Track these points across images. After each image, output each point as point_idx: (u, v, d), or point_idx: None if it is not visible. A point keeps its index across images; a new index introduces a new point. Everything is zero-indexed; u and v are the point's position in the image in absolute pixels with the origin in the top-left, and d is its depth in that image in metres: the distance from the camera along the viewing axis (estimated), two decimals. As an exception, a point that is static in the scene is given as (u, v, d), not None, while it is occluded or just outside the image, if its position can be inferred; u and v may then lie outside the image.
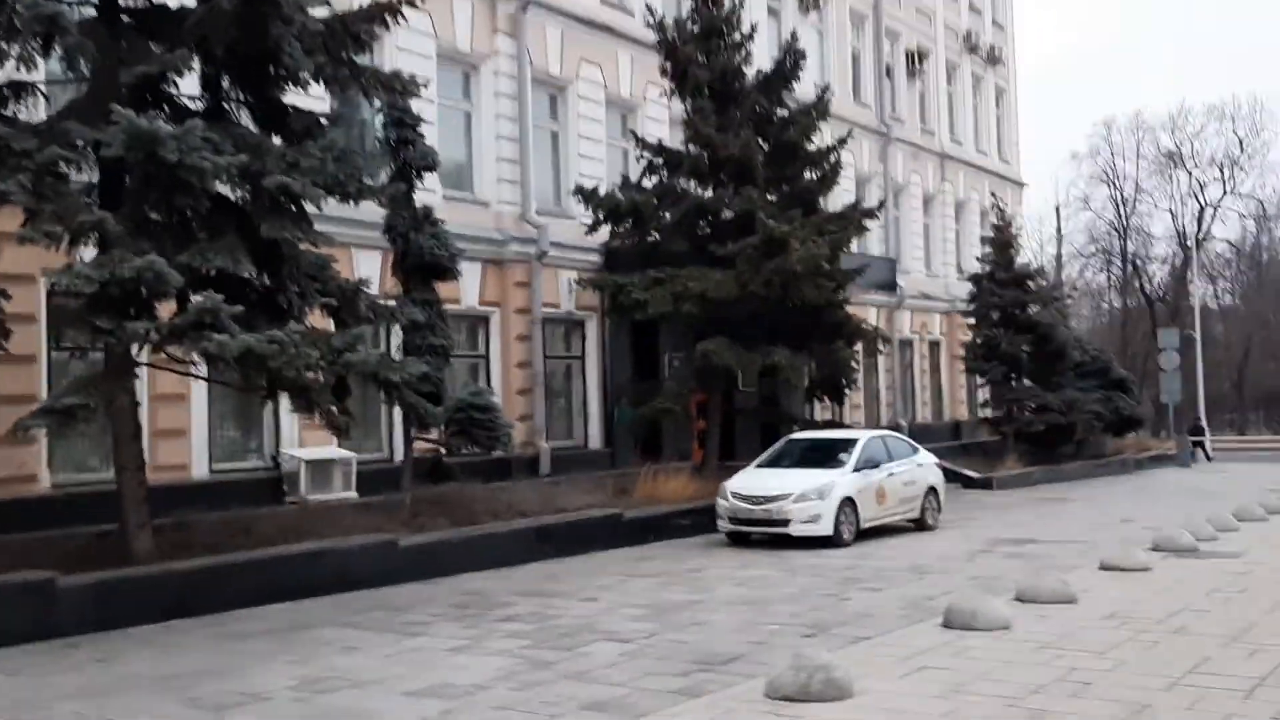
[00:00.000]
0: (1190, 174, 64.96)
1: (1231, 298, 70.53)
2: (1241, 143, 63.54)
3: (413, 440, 14.37)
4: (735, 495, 14.59)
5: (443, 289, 14.74)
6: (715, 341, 16.95)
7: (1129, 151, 65.44)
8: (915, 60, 31.53)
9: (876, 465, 15.28)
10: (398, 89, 11.35)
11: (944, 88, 33.72)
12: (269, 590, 10.51)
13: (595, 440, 20.34)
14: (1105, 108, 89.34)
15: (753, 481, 14.87)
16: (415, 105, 13.70)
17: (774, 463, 15.65)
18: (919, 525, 15.88)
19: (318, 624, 9.42)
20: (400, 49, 16.41)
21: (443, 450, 15.00)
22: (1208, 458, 35.94)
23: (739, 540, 14.43)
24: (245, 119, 10.93)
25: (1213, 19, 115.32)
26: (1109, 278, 68.44)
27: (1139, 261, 67.24)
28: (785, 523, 14.01)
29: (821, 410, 24.77)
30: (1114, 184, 66.01)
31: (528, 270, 19.00)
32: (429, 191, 15.34)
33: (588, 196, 18.15)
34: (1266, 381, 66.66)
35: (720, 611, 9.62)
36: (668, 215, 18.35)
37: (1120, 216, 66.13)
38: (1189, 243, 61.77)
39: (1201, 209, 64.95)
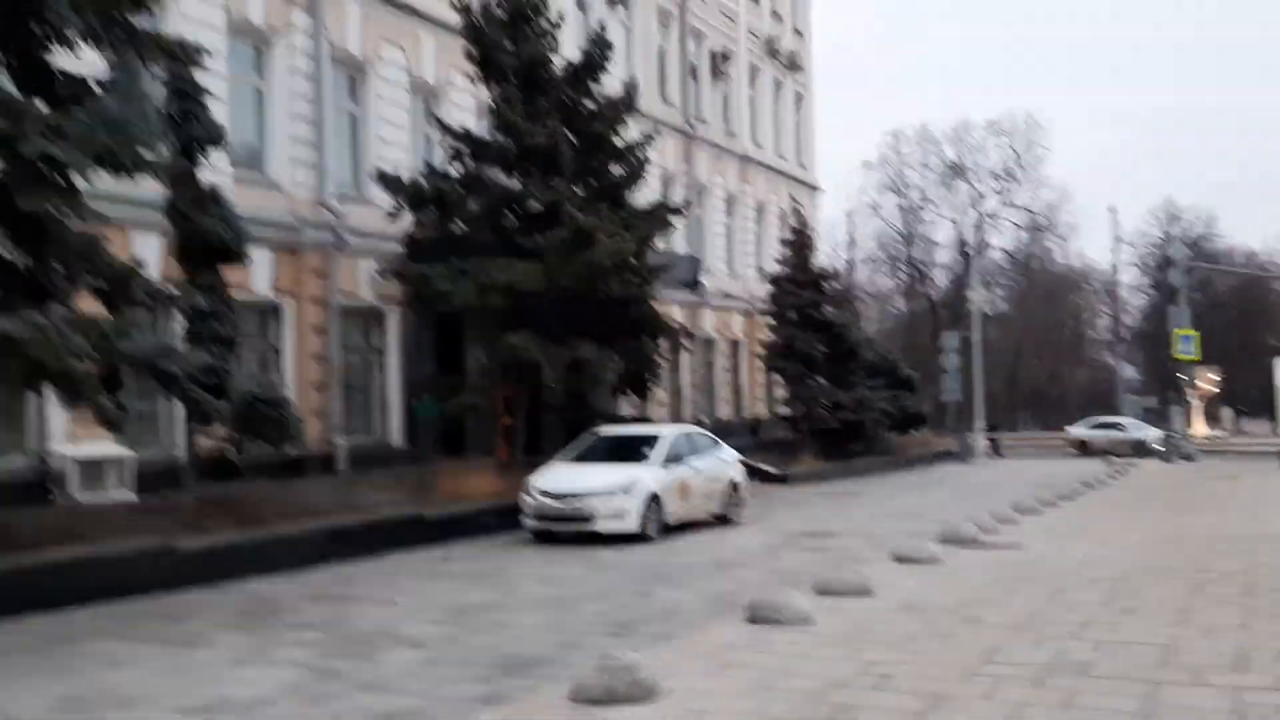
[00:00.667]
0: (971, 185, 69.07)
1: (1005, 303, 75.32)
2: (1017, 157, 67.99)
3: (195, 437, 13.45)
4: (540, 492, 14.34)
5: (230, 275, 13.83)
6: (521, 335, 16.66)
7: (916, 162, 69.05)
8: (719, 62, 32.08)
9: (681, 461, 15.35)
10: (180, 57, 10.59)
11: (746, 91, 34.47)
12: (29, 600, 9.53)
13: (396, 437, 19.70)
14: (895, 119, 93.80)
15: (558, 477, 14.66)
16: (202, 78, 12.76)
17: (580, 458, 15.50)
18: (723, 520, 16.05)
19: (84, 636, 8.60)
20: (186, 16, 15.40)
21: (229, 447, 14.11)
22: (999, 454, 38.13)
23: (545, 538, 14.19)
24: (4, 80, 9.89)
25: (994, 37, 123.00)
26: (896, 282, 71.98)
27: (923, 267, 71.00)
28: (591, 519, 13.86)
29: (628, 406, 24.85)
30: (901, 193, 69.48)
31: (324, 258, 18.22)
32: (217, 171, 14.42)
33: (389, 182, 17.53)
34: (1035, 382, 71.59)
35: (525, 612, 9.35)
36: (474, 204, 17.91)
37: (907, 224, 69.65)
38: (969, 250, 65.66)
39: (980, 218, 69.17)
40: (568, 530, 14.07)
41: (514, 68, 18.03)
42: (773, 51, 35.62)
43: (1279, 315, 70.34)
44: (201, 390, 11.44)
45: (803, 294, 29.46)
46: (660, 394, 27.82)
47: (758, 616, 7.84)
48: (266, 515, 12.78)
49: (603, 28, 20.38)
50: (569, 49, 19.97)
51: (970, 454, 35.35)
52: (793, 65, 37.02)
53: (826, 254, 55.78)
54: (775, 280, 30.04)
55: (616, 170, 19.09)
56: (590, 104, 18.99)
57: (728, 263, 33.20)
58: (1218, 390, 59.01)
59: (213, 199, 13.15)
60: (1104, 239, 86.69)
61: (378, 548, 13.07)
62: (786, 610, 7.82)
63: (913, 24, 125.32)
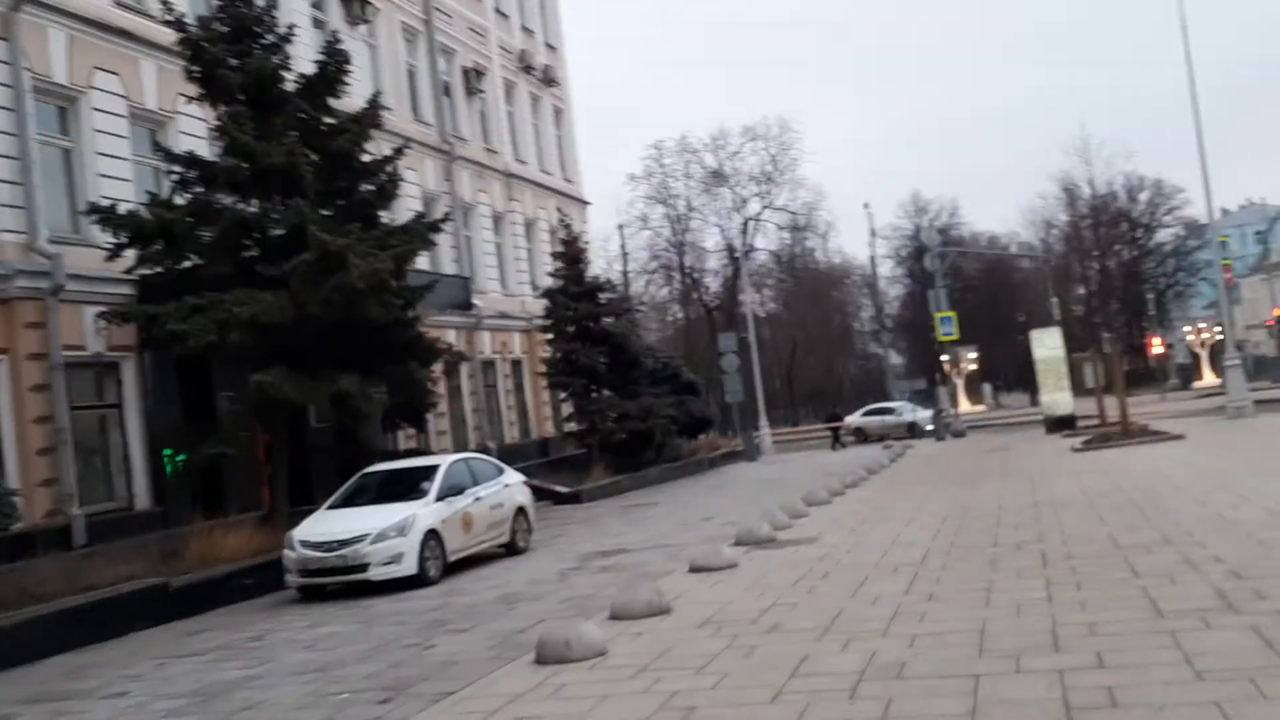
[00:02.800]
0: (733, 190, 70.71)
1: (776, 303, 77.60)
2: (774, 160, 70.07)
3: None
4: (304, 543, 12.99)
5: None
6: (272, 372, 15.16)
7: (679, 172, 70.11)
8: (472, 79, 31.16)
9: (461, 491, 14.30)
10: None
11: (504, 107, 33.66)
12: None
13: (143, 499, 17.69)
14: (657, 132, 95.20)
15: (324, 525, 13.34)
16: None
17: (348, 502, 14.20)
18: (510, 549, 15.10)
19: None
20: None
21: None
22: (842, 445, 38.59)
23: (312, 594, 12.83)
24: None
25: (748, 51, 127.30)
26: (671, 290, 72.86)
27: (696, 274, 72.16)
28: (364, 567, 12.62)
29: (407, 439, 23.52)
30: (668, 203, 70.40)
31: (40, 308, 16.13)
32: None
33: (104, 216, 15.68)
34: (811, 377, 74.04)
35: (282, 685, 8.12)
36: (207, 234, 16.28)
37: (676, 233, 70.60)
38: (737, 254, 67.17)
39: (745, 223, 70.90)
40: (338, 582, 12.78)
41: (241, 85, 16.53)
42: (527, 67, 34.98)
43: (1025, 293, 75.32)
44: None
45: (579, 307, 28.93)
46: (441, 422, 26.61)
47: (547, 656, 6.99)
48: (-22, 607, 10.94)
49: (336, 35, 19.12)
50: (307, 66, 18.62)
51: (757, 452, 35.71)
52: (548, 80, 36.50)
53: (601, 267, 55.68)
54: (550, 295, 29.38)
55: (366, 188, 17.86)
56: (331, 120, 17.69)
57: (501, 281, 32.25)
58: (976, 367, 62.55)
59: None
60: (861, 234, 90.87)
61: (117, 628, 11.43)
62: (578, 644, 7.00)
63: (675, 39, 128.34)
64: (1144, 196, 73.57)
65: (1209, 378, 53.01)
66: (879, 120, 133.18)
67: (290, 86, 17.35)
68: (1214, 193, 28.33)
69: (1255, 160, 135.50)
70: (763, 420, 39.83)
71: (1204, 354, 56.79)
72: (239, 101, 16.58)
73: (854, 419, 45.61)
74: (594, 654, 6.93)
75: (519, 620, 9.54)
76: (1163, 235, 75.93)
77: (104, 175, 17.81)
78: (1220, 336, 36.66)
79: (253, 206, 16.75)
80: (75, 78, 17.54)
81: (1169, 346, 68.69)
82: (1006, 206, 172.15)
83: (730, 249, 70.12)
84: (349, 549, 12.69)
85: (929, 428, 38.37)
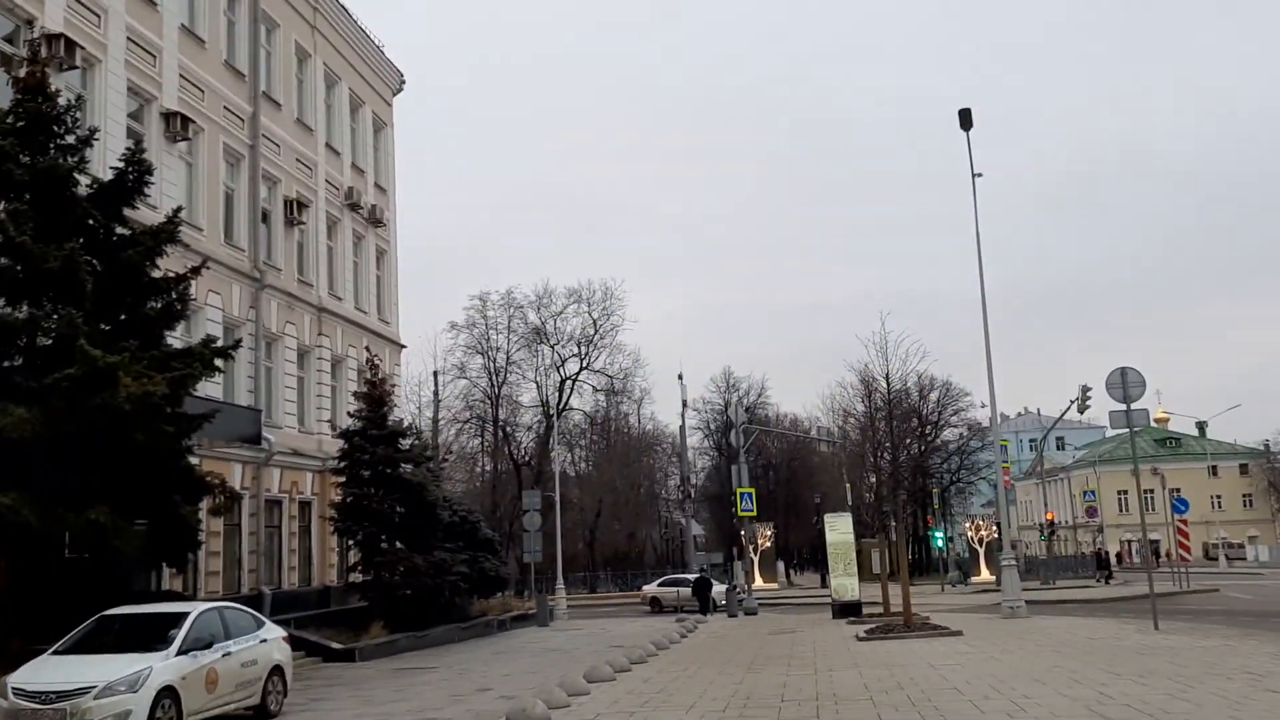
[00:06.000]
0: (553, 349, 71.08)
1: (586, 465, 77.43)
2: (595, 324, 71.07)
3: None
4: (18, 692, 11.38)
5: None
6: (12, 495, 13.62)
7: (501, 325, 70.16)
8: (294, 209, 30.40)
9: (210, 645, 12.92)
10: None
11: (324, 241, 32.90)
12: None
13: None
14: (483, 283, 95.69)
15: (44, 673, 11.77)
16: None
17: (79, 647, 12.62)
18: (260, 713, 13.67)
19: None
20: None
21: None
22: (715, 608, 37.30)
23: (19, 753, 11.16)
24: None
25: (579, 218, 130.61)
26: (482, 442, 71.76)
27: (509, 428, 71.48)
28: (82, 725, 11.11)
29: (172, 578, 21.59)
30: (488, 355, 70.08)
31: None
32: None
33: None
34: (614, 541, 73.53)
35: None
36: (-39, 336, 14.81)
37: (493, 385, 70.09)
38: (552, 412, 67.01)
39: (562, 382, 71.10)
40: (51, 741, 11.21)
41: (27, 182, 15.42)
42: (353, 204, 34.46)
43: (822, 475, 77.67)
44: None
45: (377, 450, 27.77)
46: (213, 562, 24.69)
47: None
48: None
49: (139, 144, 18.25)
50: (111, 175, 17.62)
51: (550, 617, 34.64)
52: (375, 220, 36.06)
53: (411, 413, 54.48)
54: (348, 435, 28.15)
55: (153, 305, 16.75)
56: (124, 230, 16.66)
57: (299, 418, 30.78)
58: (771, 544, 63.44)
59: None
60: (674, 403, 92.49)
61: None
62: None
63: (508, 196, 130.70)
64: (934, 396, 77.91)
65: (985, 573, 55.23)
66: (699, 297, 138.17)
67: (85, 191, 16.33)
68: (997, 400, 29.86)
69: (1035, 371, 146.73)
70: (559, 583, 38.87)
71: (981, 551, 59.34)
72: (22, 200, 15.42)
73: (650, 588, 45.17)
74: None
75: (245, 804, 8.42)
76: (949, 434, 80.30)
77: None
78: (996, 534, 38.40)
79: (22, 312, 15.41)
80: None
81: (950, 541, 71.62)
82: (810, 392, 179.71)
83: (545, 406, 69.99)
84: (69, 703, 11.17)
85: (721, 602, 38.20)
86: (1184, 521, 41.92)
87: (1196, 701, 10.77)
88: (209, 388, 22.41)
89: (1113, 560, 59.22)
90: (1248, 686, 11.82)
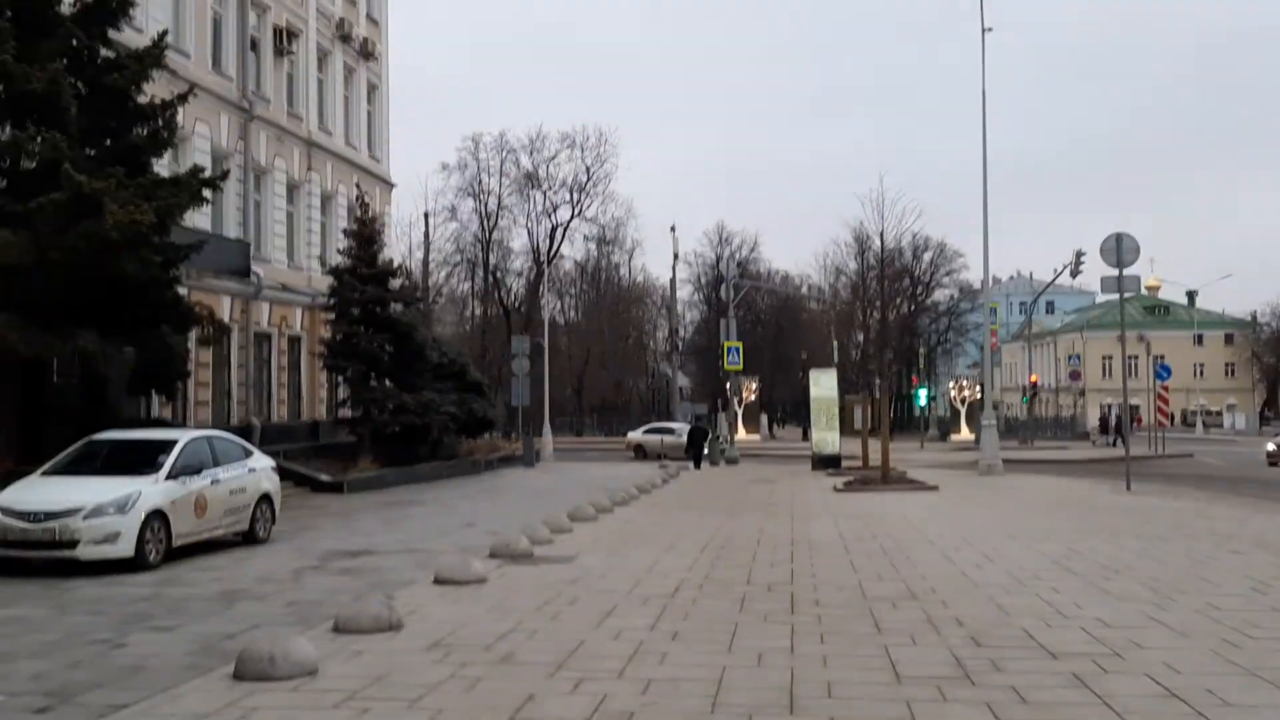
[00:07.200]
0: (545, 195, 70.19)
1: (575, 313, 77.55)
2: (589, 170, 70.01)
3: None
4: (6, 511, 11.54)
5: None
6: (2, 319, 13.58)
7: (494, 168, 69.07)
8: (284, 39, 29.47)
9: (199, 471, 13.10)
10: None
11: (314, 73, 32.02)
12: None
13: None
14: (476, 124, 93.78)
15: (33, 493, 11.94)
16: None
17: (69, 469, 12.77)
18: (249, 539, 13.98)
19: None
20: None
21: None
22: (711, 461, 36.36)
23: (10, 568, 11.40)
24: None
25: (575, 61, 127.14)
26: (472, 286, 71.61)
27: (499, 273, 71.21)
28: (73, 544, 11.31)
29: (161, 407, 21.78)
30: (479, 198, 69.22)
31: None
32: None
33: None
34: (600, 390, 74.28)
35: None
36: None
37: (484, 229, 69.47)
38: (542, 259, 66.68)
39: (554, 229, 70.49)
40: (41, 558, 11.46)
41: (7, 1, 14.85)
42: (345, 36, 33.41)
43: (810, 332, 78.04)
44: None
45: (367, 290, 27.70)
46: (202, 393, 24.89)
47: (247, 672, 6.25)
48: None
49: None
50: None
51: (536, 459, 35.23)
52: (366, 53, 35.02)
53: (400, 253, 54.09)
54: (338, 273, 28.02)
55: (139, 132, 16.37)
56: (109, 53, 16.14)
57: (288, 253, 30.57)
58: (756, 397, 64.20)
59: None
60: (665, 255, 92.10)
61: None
62: (284, 661, 6.29)
63: (506, 36, 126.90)
64: (927, 256, 77.67)
65: (965, 432, 56.17)
66: (694, 150, 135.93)
67: (68, 11, 15.74)
68: (990, 262, 29.78)
69: (1030, 236, 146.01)
70: (546, 427, 39.39)
71: (963, 410, 60.19)
72: (3, 18, 14.86)
73: (635, 435, 45.80)
74: (301, 673, 6.25)
75: (233, 623, 8.65)
76: (939, 295, 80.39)
77: None
78: (979, 395, 38.88)
79: (4, 134, 15.06)
80: None
81: (933, 400, 72.53)
82: (804, 249, 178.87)
83: (536, 253, 69.57)
84: (58, 522, 11.37)
85: (705, 451, 38.78)
86: (1165, 388, 42.54)
87: (1161, 560, 11.08)
88: (197, 219, 22.15)
89: (1100, 424, 59.76)
90: (1213, 547, 12.16)
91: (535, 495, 23.02)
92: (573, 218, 70.63)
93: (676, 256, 63.53)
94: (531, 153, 69.28)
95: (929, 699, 5.67)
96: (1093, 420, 67.96)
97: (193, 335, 19.01)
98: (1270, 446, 37.04)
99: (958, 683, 6.01)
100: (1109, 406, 66.40)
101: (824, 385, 31.47)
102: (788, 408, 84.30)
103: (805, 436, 52.62)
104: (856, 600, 8.83)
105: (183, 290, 19.09)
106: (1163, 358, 52.72)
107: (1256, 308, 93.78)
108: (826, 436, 30.82)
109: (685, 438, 39.33)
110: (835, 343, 62.97)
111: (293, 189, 30.79)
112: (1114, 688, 5.83)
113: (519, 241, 71.86)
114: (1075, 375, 62.80)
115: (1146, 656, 6.58)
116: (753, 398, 63.36)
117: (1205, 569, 10.41)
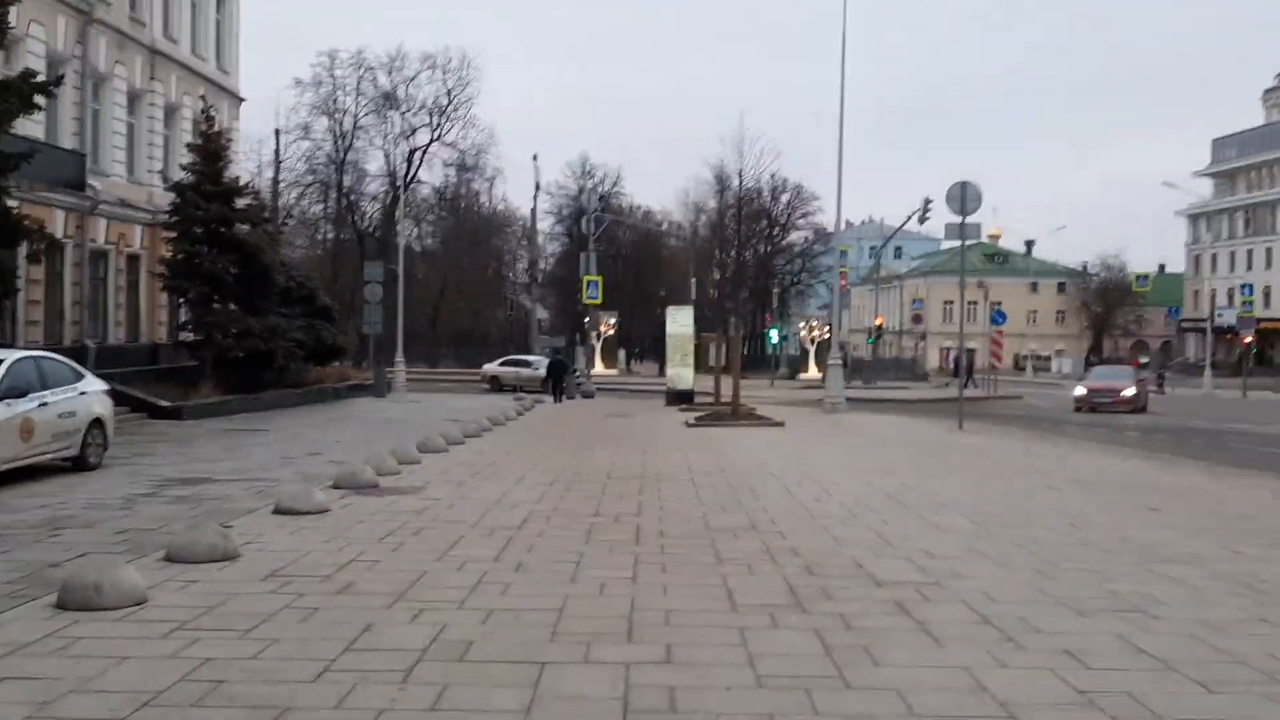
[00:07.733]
0: (404, 116, 68.32)
1: (433, 240, 76.08)
2: (450, 94, 68.39)
3: None
4: None
5: None
6: None
7: (350, 86, 66.77)
8: (126, -65, 27.64)
9: (25, 394, 12.45)
10: None
11: (158, -26, 30.22)
12: None
13: None
14: (333, 40, 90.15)
15: None
16: None
17: (-122, 390, 11.97)
18: (79, 464, 13.39)
19: None
20: None
21: None
22: (569, 397, 35.18)
23: None
24: None
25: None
26: (325, 209, 69.44)
27: (354, 196, 69.24)
28: (-119, 469, 10.67)
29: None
30: (334, 117, 66.90)
31: None
32: None
33: None
34: (458, 320, 73.36)
35: None
36: None
37: (338, 149, 67.28)
38: (399, 183, 65.06)
39: (411, 152, 68.78)
40: None
41: None
42: (191, -65, 31.57)
43: (670, 270, 78.63)
44: None
45: (211, 208, 26.57)
46: (33, 311, 23.57)
47: (70, 601, 6.02)
48: None
49: None
50: None
51: (387, 389, 34.69)
52: (214, -45, 33.17)
53: (249, 170, 51.97)
54: (180, 189, 26.77)
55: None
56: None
57: (128, 167, 29.00)
58: (614, 332, 64.56)
59: None
60: (527, 186, 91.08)
61: None
62: (111, 590, 6.08)
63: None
64: (785, 198, 79.03)
65: (814, 371, 57.79)
66: (556, 79, 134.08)
67: None
68: (844, 206, 30.51)
69: (885, 181, 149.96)
70: (399, 357, 38.77)
71: (812, 350, 61.84)
72: None
73: (491, 367, 45.53)
74: (129, 603, 6.05)
75: (57, 551, 8.30)
76: (795, 236, 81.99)
77: None
78: (828, 335, 40.04)
79: None
80: None
81: (784, 339, 74.30)
82: (665, 186, 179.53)
83: (393, 176, 67.86)
84: None
85: (564, 385, 38.86)
86: (1000, 332, 44.51)
87: (986, 495, 11.69)
88: (29, 126, 20.81)
89: (954, 367, 62.01)
90: (1034, 483, 12.89)
91: (385, 426, 22.70)
92: (432, 141, 69.17)
93: (538, 187, 62.95)
94: (391, 72, 67.39)
95: (762, 626, 5.87)
96: (933, 362, 70.76)
97: (22, 250, 17.91)
98: (1079, 391, 35.47)
99: (790, 610, 6.24)
100: (948, 350, 69.23)
101: (680, 322, 31.83)
102: (646, 343, 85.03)
103: (662, 372, 53.26)
104: (700, 531, 9.04)
105: (12, 203, 17.96)
106: (1000, 304, 55.14)
107: (1088, 258, 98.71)
108: (681, 373, 31.25)
109: (543, 371, 39.32)
110: (694, 280, 63.63)
111: (134, 99, 29.15)
112: (933, 615, 6.14)
113: (375, 164, 70.02)
114: (918, 319, 65.23)
115: (966, 585, 6.95)
116: (611, 332, 63.67)
117: (1026, 504, 11.02)
